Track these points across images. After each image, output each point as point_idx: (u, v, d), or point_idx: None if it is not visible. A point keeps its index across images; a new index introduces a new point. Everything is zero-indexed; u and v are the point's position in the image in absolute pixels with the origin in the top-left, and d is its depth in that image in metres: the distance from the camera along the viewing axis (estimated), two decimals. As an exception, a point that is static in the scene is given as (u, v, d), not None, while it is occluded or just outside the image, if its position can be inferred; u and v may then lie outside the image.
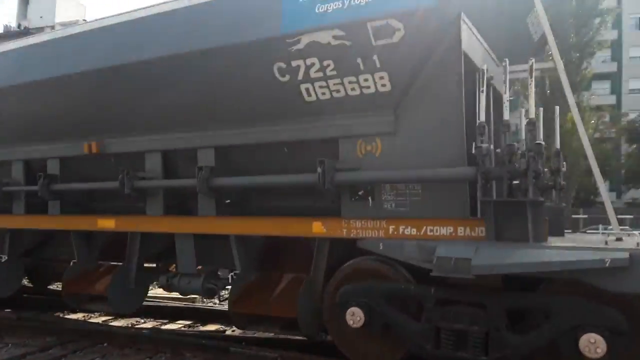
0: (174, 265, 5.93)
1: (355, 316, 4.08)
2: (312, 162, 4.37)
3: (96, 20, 5.57)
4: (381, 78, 4.11)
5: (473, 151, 3.88)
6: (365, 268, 4.35)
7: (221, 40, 4.51)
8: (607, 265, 3.30)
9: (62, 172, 6.06)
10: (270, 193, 5.03)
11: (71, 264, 6.03)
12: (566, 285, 3.57)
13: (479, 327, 3.66)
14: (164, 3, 4.95)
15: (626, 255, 3.32)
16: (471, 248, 3.66)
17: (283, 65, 4.35)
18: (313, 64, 4.25)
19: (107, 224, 5.75)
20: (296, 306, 4.51)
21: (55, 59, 5.43)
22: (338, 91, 4.31)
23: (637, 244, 3.70)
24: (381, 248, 4.22)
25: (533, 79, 3.81)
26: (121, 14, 5.21)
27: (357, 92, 4.24)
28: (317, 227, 4.63)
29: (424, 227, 4.17)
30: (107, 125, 5.55)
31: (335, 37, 4.06)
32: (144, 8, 5.07)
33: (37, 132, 6.04)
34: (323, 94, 4.36)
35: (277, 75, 4.43)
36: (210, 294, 5.48)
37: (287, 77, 4.40)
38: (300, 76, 4.35)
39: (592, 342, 3.33)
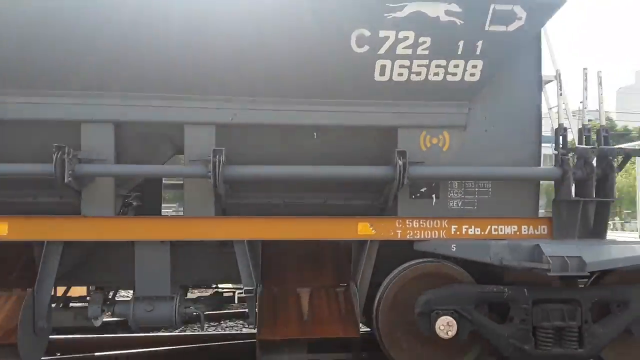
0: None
1: (449, 326, 3.71)
2: (356, 152, 3.78)
3: None
4: (474, 67, 3.77)
5: (551, 153, 3.94)
6: (434, 272, 3.98)
7: None
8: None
9: None
10: (299, 188, 4.08)
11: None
12: (629, 275, 4.01)
13: (575, 322, 3.80)
14: None
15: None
16: (571, 246, 3.75)
17: (367, 33, 3.55)
18: (406, 38, 3.59)
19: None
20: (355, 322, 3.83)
21: None
22: (419, 74, 3.77)
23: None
24: (454, 250, 3.92)
25: (602, 87, 4.07)
26: None
27: (440, 77, 3.80)
28: (364, 229, 4.00)
29: (489, 227, 4.06)
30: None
31: (447, 13, 3.53)
32: None
33: None
34: (400, 74, 3.75)
35: (352, 43, 3.58)
36: (186, 322, 4.15)
37: (364, 49, 3.61)
38: (382, 50, 3.62)
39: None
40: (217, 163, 3.56)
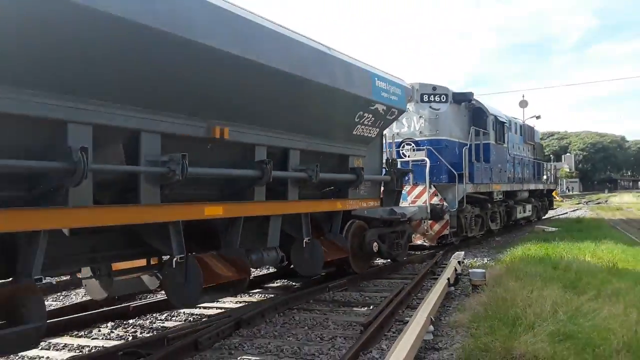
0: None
1: (376, 246, 8.65)
2: (332, 167, 7.99)
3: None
4: (376, 132, 8.80)
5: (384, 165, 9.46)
6: (362, 225, 8.73)
7: (341, 85, 7.28)
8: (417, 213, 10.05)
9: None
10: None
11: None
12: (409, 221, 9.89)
13: (402, 240, 9.49)
14: (320, 44, 7.01)
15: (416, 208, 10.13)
16: (399, 209, 9.39)
17: (362, 112, 8.03)
18: (369, 117, 8.29)
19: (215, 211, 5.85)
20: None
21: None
22: (368, 132, 8.51)
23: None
24: (365, 213, 8.79)
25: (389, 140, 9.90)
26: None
27: (370, 134, 8.62)
28: (338, 205, 8.32)
29: (369, 202, 9.11)
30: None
31: (382, 110, 8.47)
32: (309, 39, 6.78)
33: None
34: (360, 131, 8.37)
35: (355, 117, 7.99)
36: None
37: (357, 119, 8.09)
38: (360, 120, 8.16)
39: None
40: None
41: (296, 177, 7.06)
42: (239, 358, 4.94)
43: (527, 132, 18.90)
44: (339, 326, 6.03)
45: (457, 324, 5.79)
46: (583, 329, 4.97)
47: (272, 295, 7.71)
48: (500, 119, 15.11)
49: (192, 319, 6.50)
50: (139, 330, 5.97)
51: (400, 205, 10.01)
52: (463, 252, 10.12)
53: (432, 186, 11.56)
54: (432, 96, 12.64)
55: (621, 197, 60.26)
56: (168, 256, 5.70)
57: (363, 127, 8.31)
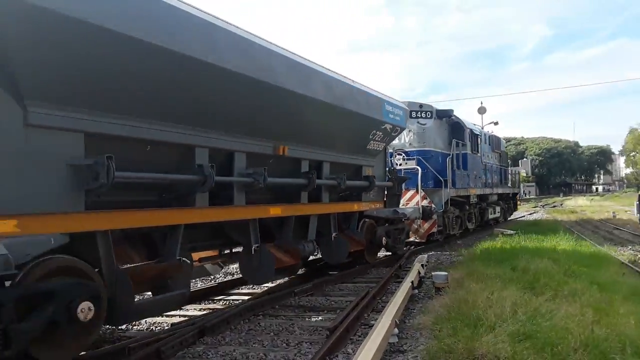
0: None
1: (384, 238, 10.68)
2: (350, 175, 9.72)
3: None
4: (382, 145, 10.68)
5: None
6: (372, 223, 10.66)
7: (361, 110, 9.15)
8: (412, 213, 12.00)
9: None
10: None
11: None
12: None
13: (399, 235, 11.59)
14: (348, 78, 8.87)
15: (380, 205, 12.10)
16: (384, 211, 11.36)
17: (375, 131, 9.93)
18: (380, 134, 10.16)
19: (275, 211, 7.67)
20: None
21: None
22: (377, 146, 10.36)
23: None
24: (375, 213, 10.64)
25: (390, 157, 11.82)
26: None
27: (377, 147, 10.48)
28: (356, 207, 10.16)
29: (374, 205, 10.95)
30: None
31: (389, 128, 10.34)
32: (342, 76, 8.64)
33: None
34: (372, 146, 10.23)
35: (369, 134, 9.86)
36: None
37: (370, 136, 9.93)
38: (373, 137, 10.06)
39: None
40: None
41: (329, 184, 8.90)
42: (203, 366, 4.92)
43: (494, 142, 21.33)
44: (305, 331, 6.08)
45: (421, 326, 5.89)
46: (542, 329, 5.10)
47: (237, 302, 7.67)
48: (475, 132, 17.47)
49: (154, 328, 6.52)
50: (98, 341, 5.73)
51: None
52: (426, 255, 10.46)
53: (421, 190, 13.54)
54: (419, 113, 14.69)
55: (575, 200, 63.53)
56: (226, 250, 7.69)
57: (374, 142, 10.26)
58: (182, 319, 6.73)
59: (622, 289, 7.56)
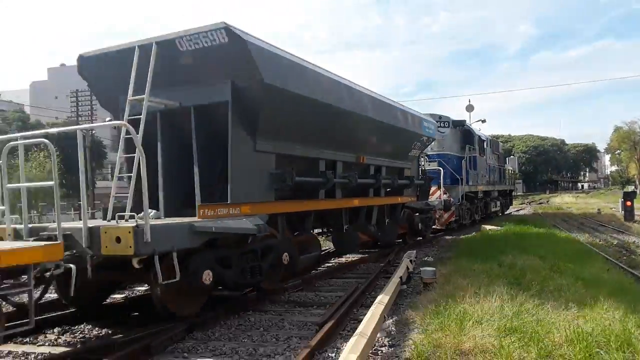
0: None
1: (421, 225, 14.28)
2: (393, 175, 12.61)
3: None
4: (417, 151, 13.89)
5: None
6: (410, 212, 13.85)
7: (408, 127, 12.16)
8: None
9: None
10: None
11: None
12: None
13: (428, 222, 15.46)
14: (400, 104, 11.99)
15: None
16: (431, 200, 14.80)
17: (415, 142, 13.05)
18: (418, 144, 13.36)
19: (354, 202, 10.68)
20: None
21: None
22: (415, 153, 13.56)
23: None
24: (412, 205, 13.82)
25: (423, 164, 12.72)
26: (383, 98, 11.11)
27: (414, 153, 13.54)
28: (400, 199, 12.99)
29: (410, 199, 13.91)
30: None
31: (425, 139, 13.60)
32: (395, 102, 11.84)
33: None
34: (412, 153, 13.36)
35: (411, 145, 12.95)
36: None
37: (412, 146, 12.99)
38: (413, 146, 13.14)
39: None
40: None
41: (386, 183, 11.83)
42: (193, 361, 4.96)
43: (494, 145, 25.00)
44: (294, 326, 6.14)
45: (410, 321, 5.95)
46: (528, 324, 5.19)
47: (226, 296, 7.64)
48: (482, 138, 21.28)
49: (143, 322, 6.38)
50: (87, 336, 5.93)
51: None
52: (415, 251, 10.67)
53: (442, 187, 16.55)
54: (439, 123, 17.67)
55: (562, 197, 64.34)
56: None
57: (414, 150, 13.37)
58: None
59: (607, 284, 7.65)
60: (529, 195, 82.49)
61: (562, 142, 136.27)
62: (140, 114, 6.22)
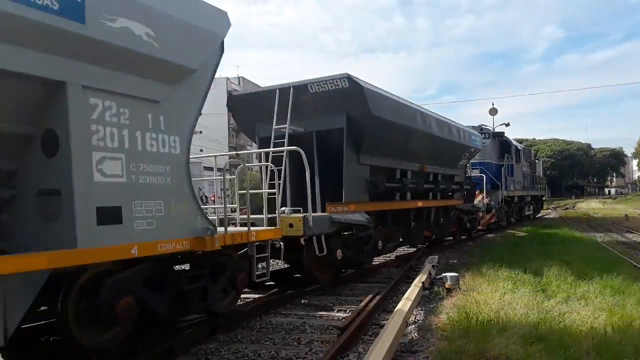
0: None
1: (468, 225, 16.82)
2: (448, 181, 14.75)
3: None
4: (465, 160, 16.24)
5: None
6: (459, 213, 16.06)
7: (460, 140, 14.30)
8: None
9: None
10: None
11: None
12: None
13: (473, 222, 17.53)
14: (454, 121, 13.94)
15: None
16: (475, 202, 17.23)
17: (465, 153, 15.26)
18: (466, 154, 15.52)
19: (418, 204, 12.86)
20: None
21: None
22: (463, 162, 15.67)
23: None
24: (461, 207, 16.00)
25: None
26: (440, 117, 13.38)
27: (463, 163, 15.82)
28: (452, 202, 15.08)
29: (458, 202, 16.03)
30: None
31: (472, 150, 15.49)
32: (451, 122, 13.87)
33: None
34: (461, 162, 15.51)
35: (462, 155, 15.17)
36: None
37: (462, 156, 15.24)
38: (463, 156, 15.38)
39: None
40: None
41: (442, 188, 14.00)
42: (216, 363, 5.00)
43: (527, 153, 27.21)
44: (316, 330, 6.14)
45: (432, 327, 5.87)
46: (554, 332, 5.08)
47: (249, 300, 7.83)
48: (518, 147, 23.38)
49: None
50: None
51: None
52: (437, 256, 10.79)
53: (485, 191, 18.63)
54: (481, 133, 19.63)
55: (588, 203, 63.32)
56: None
57: (463, 159, 15.54)
58: (195, 315, 6.38)
59: (636, 292, 7.38)
60: (554, 200, 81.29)
61: (589, 146, 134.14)
62: (274, 137, 8.89)
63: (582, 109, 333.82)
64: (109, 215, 4.38)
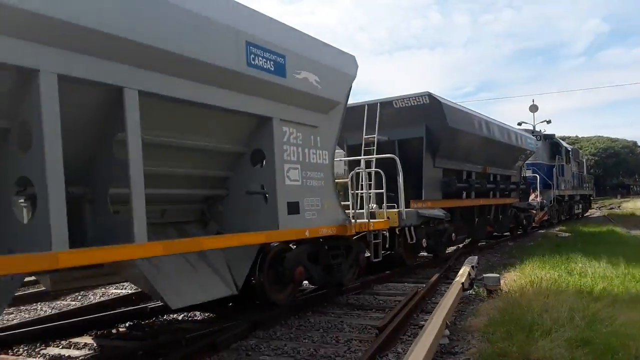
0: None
1: (524, 221, 18.56)
2: (506, 181, 16.40)
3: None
4: (521, 162, 17.84)
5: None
6: (515, 211, 17.93)
7: (517, 144, 15.90)
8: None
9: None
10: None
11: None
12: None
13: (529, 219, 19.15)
14: (510, 125, 15.88)
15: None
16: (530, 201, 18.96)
17: (521, 155, 16.88)
18: (522, 156, 17.21)
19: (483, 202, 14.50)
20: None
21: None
22: (519, 163, 17.37)
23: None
24: (517, 205, 17.73)
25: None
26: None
27: (519, 164, 17.49)
28: (509, 200, 16.70)
29: (514, 200, 17.70)
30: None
31: (528, 152, 17.18)
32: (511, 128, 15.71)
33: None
34: (517, 163, 17.22)
35: (518, 157, 16.85)
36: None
37: (518, 158, 16.89)
38: (519, 158, 17.02)
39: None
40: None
41: (501, 187, 15.57)
42: (256, 359, 5.12)
43: (575, 154, 28.39)
44: (354, 329, 6.18)
45: (473, 329, 5.78)
46: (601, 335, 4.95)
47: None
48: (567, 149, 24.82)
49: (208, 319, 6.85)
50: (156, 331, 6.20)
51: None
52: (477, 257, 10.28)
53: (538, 191, 20.12)
54: (533, 135, 21.11)
55: (634, 202, 61.26)
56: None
57: (519, 161, 17.08)
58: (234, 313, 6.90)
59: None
60: (599, 199, 79.08)
61: (635, 143, 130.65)
62: (362, 145, 10.56)
63: (627, 105, 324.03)
64: (293, 208, 6.29)
